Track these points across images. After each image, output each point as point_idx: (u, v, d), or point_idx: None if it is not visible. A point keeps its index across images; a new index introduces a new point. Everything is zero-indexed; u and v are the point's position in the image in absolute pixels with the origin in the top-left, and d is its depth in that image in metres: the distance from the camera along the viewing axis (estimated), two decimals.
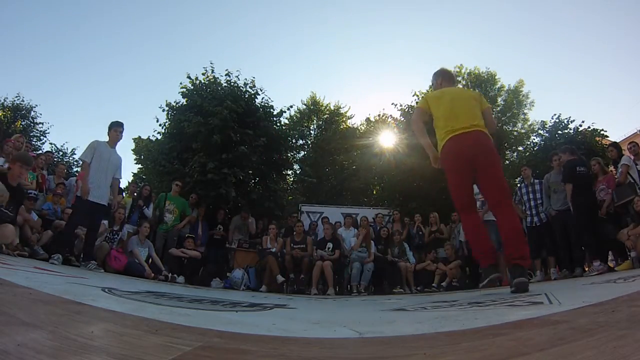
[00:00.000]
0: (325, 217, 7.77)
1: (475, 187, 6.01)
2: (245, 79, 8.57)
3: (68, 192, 6.19)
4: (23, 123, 13.48)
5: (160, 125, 8.45)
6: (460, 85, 18.22)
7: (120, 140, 5.10)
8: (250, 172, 8.29)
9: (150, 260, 5.91)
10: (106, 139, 5.03)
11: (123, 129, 5.08)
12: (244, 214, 7.39)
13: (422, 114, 3.10)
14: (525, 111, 22.01)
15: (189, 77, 8.43)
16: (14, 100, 13.61)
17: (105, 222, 5.67)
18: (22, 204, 4.57)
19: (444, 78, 3.38)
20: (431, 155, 3.05)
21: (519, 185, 7.10)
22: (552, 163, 5.66)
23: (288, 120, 11.27)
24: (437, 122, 3.00)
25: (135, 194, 7.16)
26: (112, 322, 1.17)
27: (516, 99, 22.00)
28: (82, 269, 4.40)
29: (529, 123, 20.64)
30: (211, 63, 8.57)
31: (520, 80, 22.27)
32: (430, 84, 4.00)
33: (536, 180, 5.81)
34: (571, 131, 9.75)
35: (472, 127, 2.85)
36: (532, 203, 5.66)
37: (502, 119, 16.98)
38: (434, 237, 7.03)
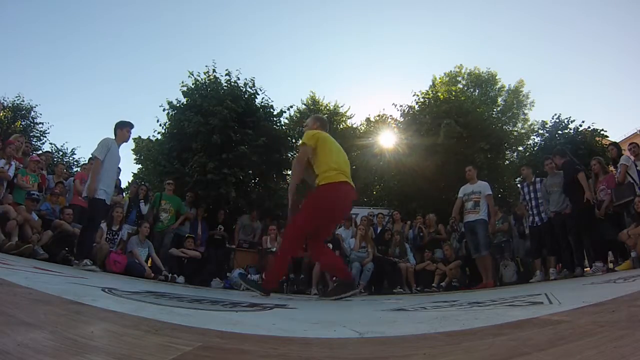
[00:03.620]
0: None
1: (469, 187, 5.89)
2: (245, 79, 8.57)
3: (67, 192, 6.19)
4: (23, 123, 13.46)
5: (160, 125, 8.45)
6: (460, 86, 18.18)
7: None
8: (250, 172, 8.28)
9: (150, 260, 5.91)
10: (113, 136, 4.73)
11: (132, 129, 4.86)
12: (254, 214, 7.38)
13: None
14: (525, 111, 22.10)
15: (190, 75, 8.41)
16: (14, 101, 13.60)
17: (103, 225, 5.67)
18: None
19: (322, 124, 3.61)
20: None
21: (520, 185, 7.08)
22: (545, 168, 5.67)
23: (288, 120, 11.26)
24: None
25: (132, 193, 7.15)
26: (112, 322, 1.16)
27: (516, 99, 22.05)
28: (76, 268, 4.18)
29: (529, 123, 20.70)
30: (213, 62, 8.57)
31: (520, 80, 22.38)
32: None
33: (537, 179, 5.76)
34: (571, 131, 9.74)
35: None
36: (534, 203, 5.61)
37: (502, 119, 16.94)
38: (431, 238, 7.03)
